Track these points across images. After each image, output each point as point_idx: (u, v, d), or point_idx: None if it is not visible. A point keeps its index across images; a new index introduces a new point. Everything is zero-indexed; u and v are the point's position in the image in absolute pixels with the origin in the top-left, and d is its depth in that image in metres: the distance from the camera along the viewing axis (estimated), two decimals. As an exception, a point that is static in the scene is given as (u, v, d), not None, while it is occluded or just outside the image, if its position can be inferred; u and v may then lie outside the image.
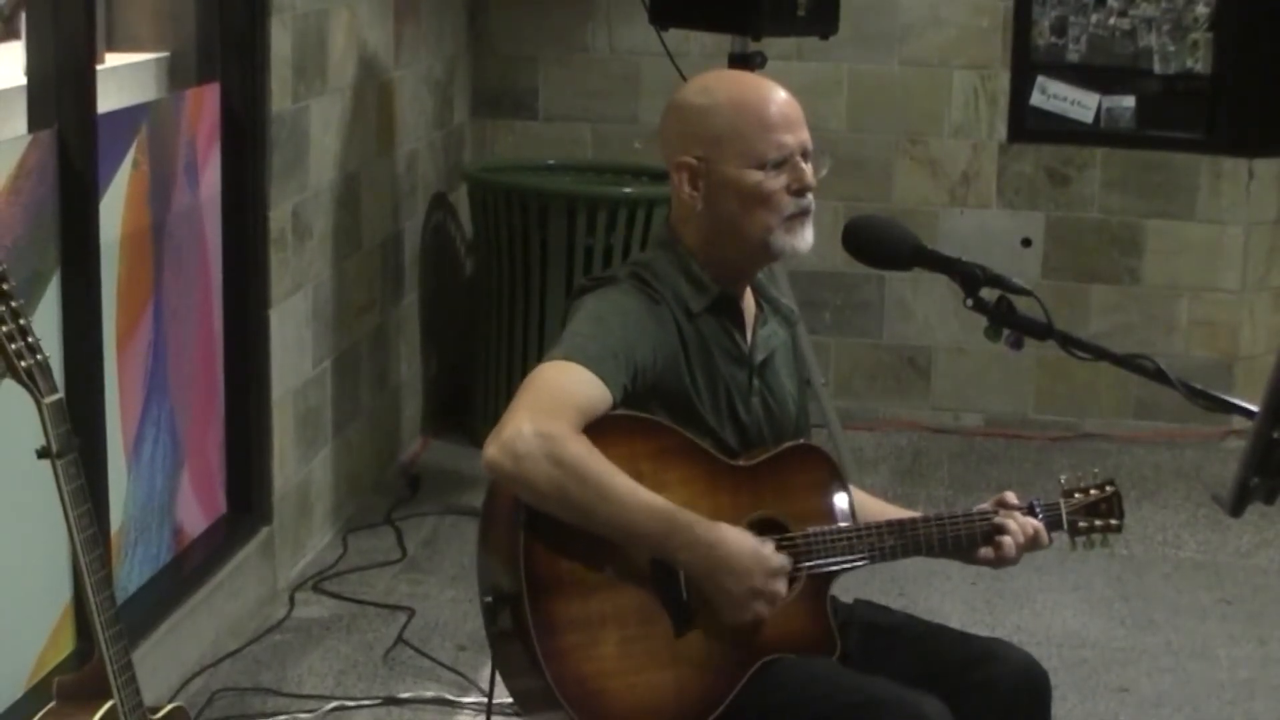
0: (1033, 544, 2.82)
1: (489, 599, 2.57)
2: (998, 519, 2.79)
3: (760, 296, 2.87)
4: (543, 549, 2.51)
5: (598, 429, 2.53)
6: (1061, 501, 2.89)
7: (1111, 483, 2.93)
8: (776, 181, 2.69)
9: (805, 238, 2.73)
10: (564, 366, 2.55)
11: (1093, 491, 2.91)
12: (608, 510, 2.49)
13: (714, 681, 2.58)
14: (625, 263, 2.84)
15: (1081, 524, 2.89)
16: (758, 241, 2.72)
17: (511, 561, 2.51)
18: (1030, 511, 2.84)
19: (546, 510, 2.49)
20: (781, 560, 2.58)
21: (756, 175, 2.69)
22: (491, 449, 2.48)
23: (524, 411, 2.49)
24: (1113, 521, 2.90)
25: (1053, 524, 2.86)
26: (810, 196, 2.73)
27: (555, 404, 2.50)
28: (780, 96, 2.74)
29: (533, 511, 2.50)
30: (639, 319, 2.66)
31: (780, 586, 2.57)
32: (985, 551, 2.80)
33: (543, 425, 2.47)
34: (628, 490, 2.50)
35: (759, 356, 2.80)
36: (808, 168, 2.72)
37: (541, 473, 2.46)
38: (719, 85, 2.78)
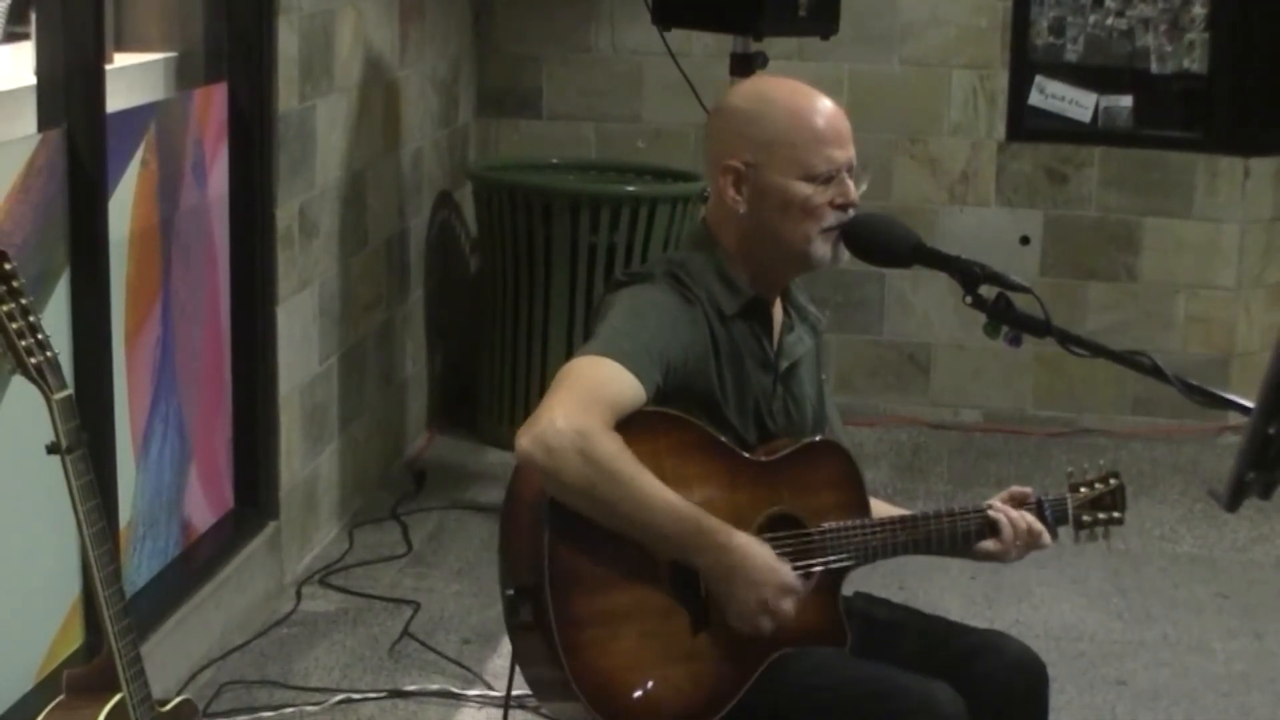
0: (1028, 538, 2.81)
1: (511, 592, 2.56)
2: (991, 514, 2.80)
3: (789, 304, 2.87)
4: (567, 544, 2.52)
5: (622, 422, 2.53)
6: (1069, 497, 2.89)
7: (1116, 475, 2.93)
8: (823, 195, 2.70)
9: (843, 250, 2.75)
10: (600, 362, 2.56)
11: (1098, 485, 2.91)
12: (633, 509, 2.50)
13: (728, 676, 2.60)
14: (660, 259, 2.83)
15: (1085, 518, 2.89)
16: (797, 250, 2.73)
17: (535, 556, 2.51)
18: (1039, 510, 2.84)
19: (572, 504, 2.50)
20: (795, 580, 2.58)
21: (805, 188, 2.70)
22: (525, 440, 2.49)
23: (559, 406, 2.50)
24: (1115, 515, 2.91)
25: (1060, 519, 2.86)
26: (852, 212, 2.73)
27: (589, 399, 2.51)
28: (833, 110, 2.74)
29: (558, 507, 2.51)
30: (673, 318, 2.67)
31: (788, 606, 2.57)
32: (988, 544, 2.81)
33: (576, 420, 2.47)
34: (654, 491, 2.50)
35: (784, 364, 2.81)
36: (852, 184, 2.74)
37: (572, 467, 2.46)
38: (774, 92, 2.77)
